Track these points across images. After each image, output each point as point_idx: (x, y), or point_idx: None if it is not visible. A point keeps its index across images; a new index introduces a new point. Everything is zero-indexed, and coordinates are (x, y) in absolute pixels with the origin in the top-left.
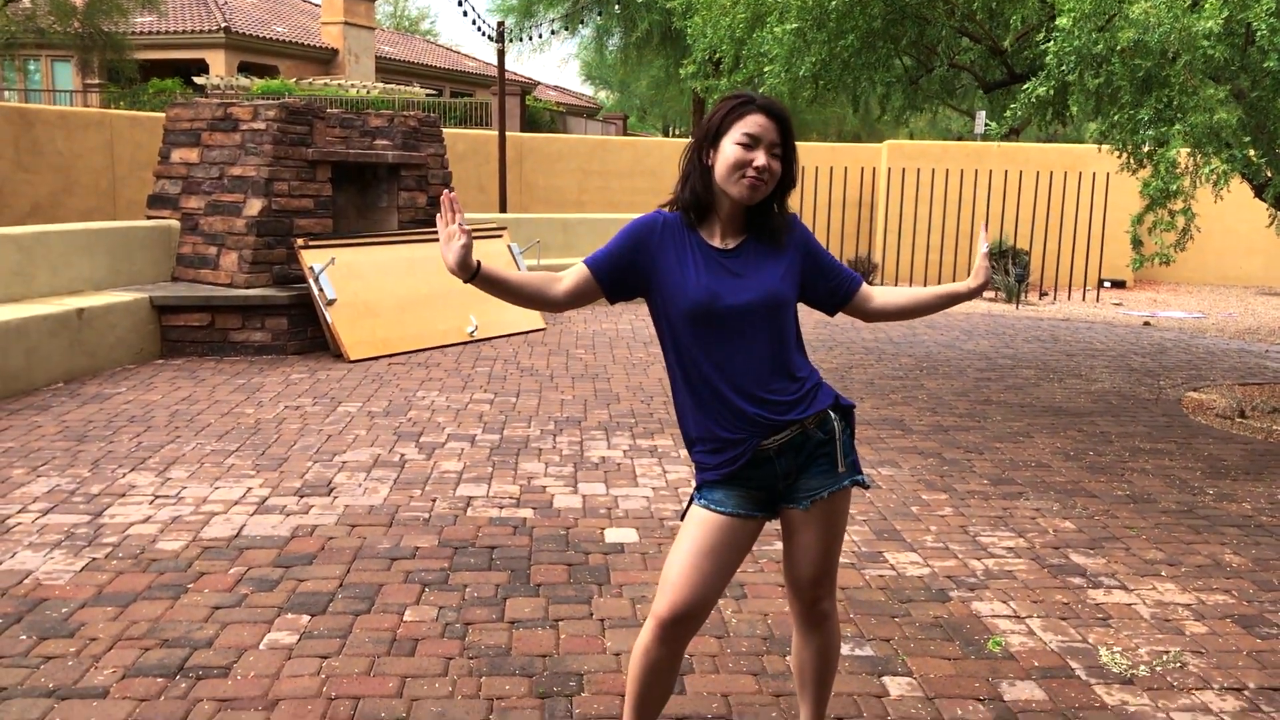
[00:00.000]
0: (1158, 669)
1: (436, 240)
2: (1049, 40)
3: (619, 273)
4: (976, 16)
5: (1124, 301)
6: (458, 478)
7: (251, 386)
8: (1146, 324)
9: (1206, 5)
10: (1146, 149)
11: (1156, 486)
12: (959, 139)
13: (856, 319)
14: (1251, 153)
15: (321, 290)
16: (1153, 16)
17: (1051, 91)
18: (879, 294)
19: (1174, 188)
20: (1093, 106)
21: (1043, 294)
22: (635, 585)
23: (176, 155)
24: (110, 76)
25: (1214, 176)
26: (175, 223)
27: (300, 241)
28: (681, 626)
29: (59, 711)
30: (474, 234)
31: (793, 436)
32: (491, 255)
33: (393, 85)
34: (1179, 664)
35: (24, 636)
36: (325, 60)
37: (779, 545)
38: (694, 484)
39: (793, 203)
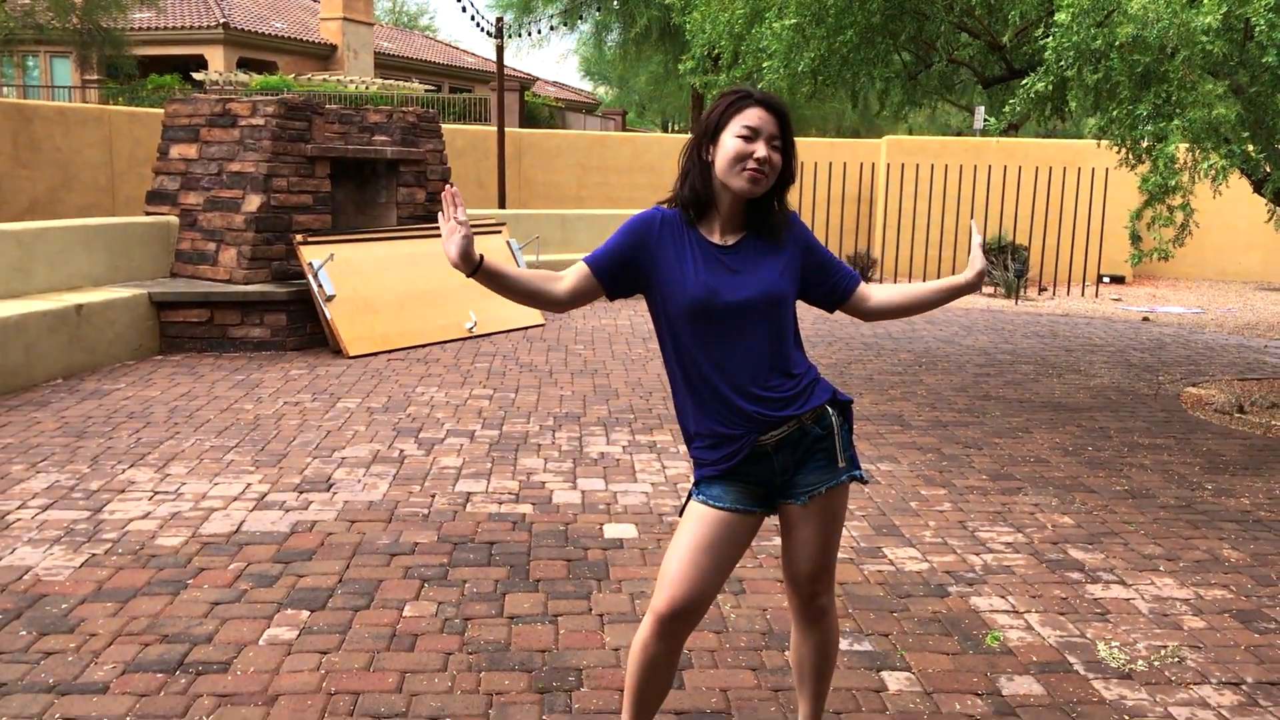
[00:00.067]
0: (1156, 664)
1: (435, 236)
2: (1048, 36)
3: (619, 270)
4: (975, 12)
5: (1123, 297)
6: (457, 473)
7: (251, 382)
8: (1145, 319)
9: (1205, 1)
10: (1145, 144)
11: (1155, 481)
12: (958, 134)
13: (856, 318)
14: (1250, 148)
15: (320, 286)
16: (1151, 12)
17: (1050, 87)
18: (877, 292)
19: (1173, 183)
20: (1091, 102)
21: (1042, 289)
22: (634, 581)
23: (175, 151)
24: (109, 72)
25: (1213, 172)
26: (174, 219)
27: (299, 237)
28: (680, 622)
29: (59, 707)
30: (473, 230)
31: (790, 432)
32: (490, 251)
33: (391, 81)
34: (1177, 659)
35: (24, 632)
36: (324, 56)
37: (778, 541)
38: (692, 480)
39: (792, 198)
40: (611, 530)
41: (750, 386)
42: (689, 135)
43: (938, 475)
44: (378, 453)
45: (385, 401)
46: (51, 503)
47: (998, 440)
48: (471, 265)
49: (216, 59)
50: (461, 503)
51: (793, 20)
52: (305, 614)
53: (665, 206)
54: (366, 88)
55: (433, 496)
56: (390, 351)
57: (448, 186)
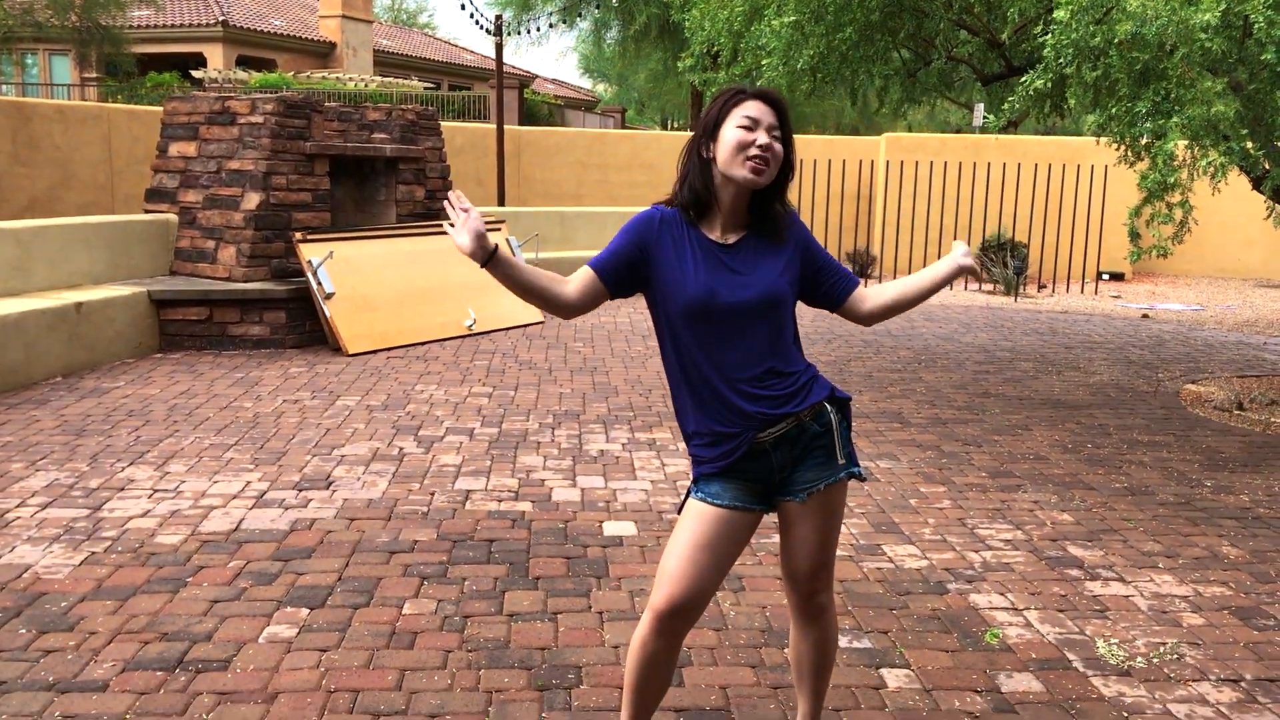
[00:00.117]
0: (1155, 660)
1: (434, 234)
2: (1047, 33)
3: (625, 272)
4: (974, 9)
5: (1122, 294)
6: (456, 471)
7: (250, 380)
8: (1145, 316)
9: None
10: (1144, 141)
11: (1154, 479)
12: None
13: (857, 324)
14: (1249, 145)
15: (320, 284)
16: (1150, 9)
17: (1049, 84)
18: (871, 295)
19: (1172, 180)
20: (1090, 99)
21: (1041, 286)
22: (634, 578)
23: (174, 149)
24: (108, 70)
25: (1211, 169)
26: (173, 217)
27: (298, 235)
28: (679, 619)
29: (59, 705)
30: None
31: (788, 429)
32: None
33: (391, 79)
34: (1176, 655)
35: (23, 630)
36: (323, 54)
37: (777, 538)
38: (691, 477)
39: (791, 196)
40: (611, 528)
41: (749, 386)
42: (688, 133)
43: (937, 473)
44: (377, 450)
45: (384, 399)
46: (51, 501)
47: (997, 437)
48: (487, 252)
49: (215, 57)
50: (461, 500)
51: (792, 17)
52: (305, 612)
53: (664, 206)
54: (365, 85)
55: (432, 494)
56: (389, 349)
57: (451, 193)
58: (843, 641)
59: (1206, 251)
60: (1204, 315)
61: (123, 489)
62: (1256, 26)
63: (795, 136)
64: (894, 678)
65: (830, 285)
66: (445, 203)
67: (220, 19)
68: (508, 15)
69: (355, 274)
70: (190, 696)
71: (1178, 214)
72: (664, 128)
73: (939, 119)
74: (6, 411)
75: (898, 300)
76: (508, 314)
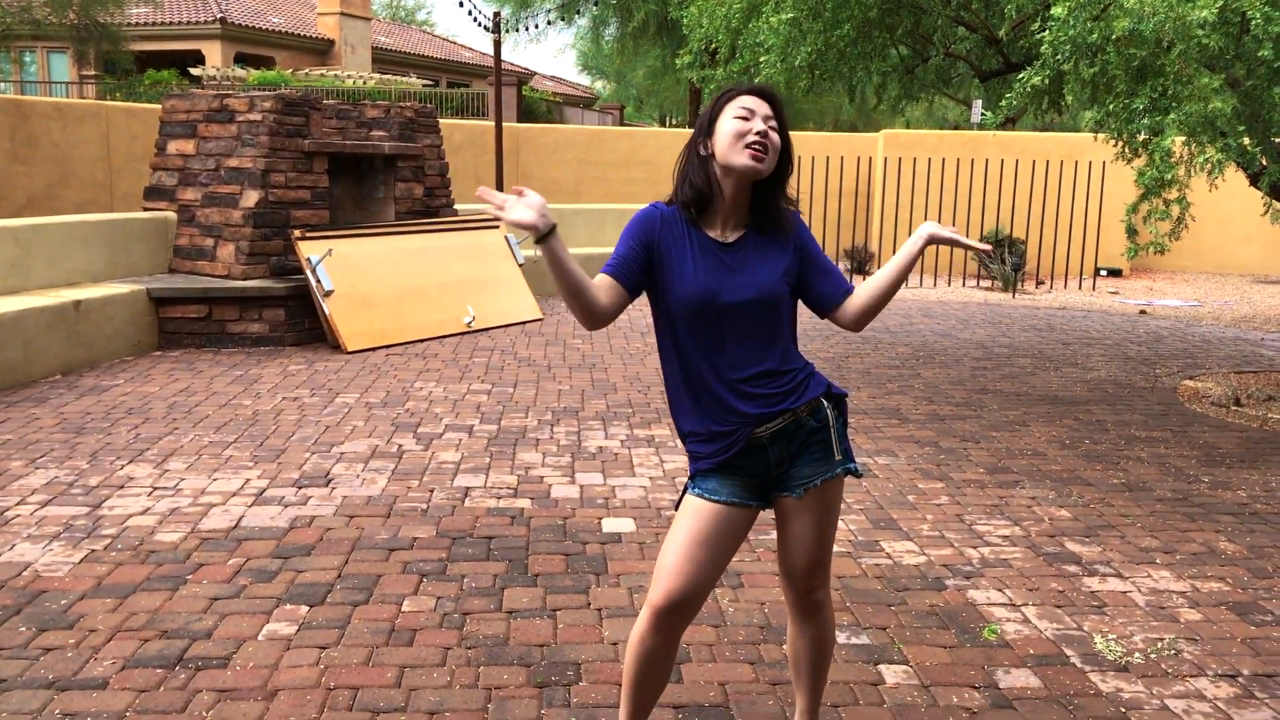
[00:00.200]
0: (1152, 656)
1: (433, 231)
2: (1044, 29)
3: (641, 272)
4: (972, 6)
5: (1120, 290)
6: (455, 468)
7: (249, 378)
8: (1143, 312)
9: None
10: (1142, 138)
11: (1152, 474)
12: (955, 128)
13: (847, 330)
14: (1246, 141)
15: (319, 281)
16: (1147, 5)
17: (1047, 81)
18: (855, 299)
19: (1169, 176)
20: (1088, 95)
21: (1039, 283)
22: (632, 575)
23: (173, 147)
24: (106, 68)
25: (1209, 165)
26: (172, 214)
27: (297, 233)
28: (677, 615)
29: (59, 702)
30: (471, 226)
31: (785, 424)
32: (488, 246)
33: (389, 76)
34: (1173, 651)
35: (23, 628)
36: (321, 51)
37: (775, 535)
38: (688, 473)
39: (789, 192)
40: (610, 525)
41: (746, 386)
42: (687, 130)
43: (935, 469)
44: (376, 448)
45: (384, 397)
46: (50, 499)
47: (995, 434)
48: (548, 225)
49: (214, 54)
50: (460, 498)
51: (789, 15)
52: (304, 609)
53: (664, 204)
54: (364, 83)
55: (431, 491)
56: (388, 346)
57: (479, 190)
58: (841, 638)
59: (1204, 248)
60: (1201, 311)
61: (122, 487)
62: (1254, 23)
63: (793, 134)
64: (892, 674)
65: (818, 291)
66: (477, 196)
67: (218, 16)
68: (506, 12)
69: (354, 271)
70: (190, 694)
71: (1175, 210)
72: (662, 124)
73: (937, 116)
74: (6, 409)
75: (874, 295)
76: (506, 311)
